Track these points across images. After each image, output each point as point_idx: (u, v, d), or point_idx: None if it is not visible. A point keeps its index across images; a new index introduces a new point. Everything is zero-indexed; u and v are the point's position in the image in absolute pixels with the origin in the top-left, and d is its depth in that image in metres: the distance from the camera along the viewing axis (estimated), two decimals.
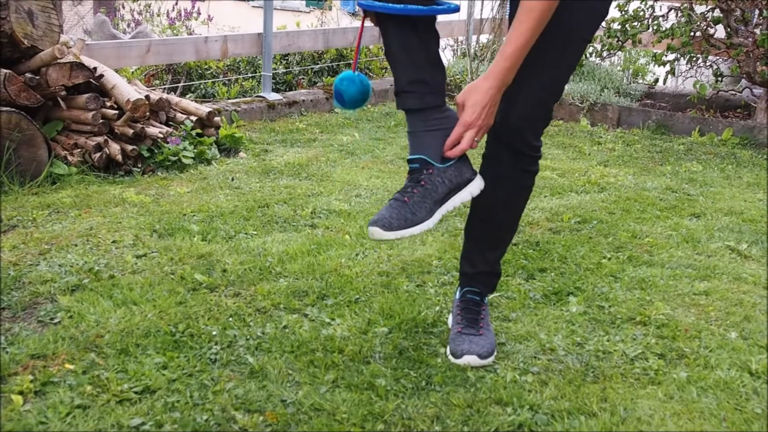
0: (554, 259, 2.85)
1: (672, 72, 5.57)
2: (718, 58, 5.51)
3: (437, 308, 2.42)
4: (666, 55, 5.43)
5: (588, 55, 5.71)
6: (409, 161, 1.95)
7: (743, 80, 5.48)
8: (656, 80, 5.85)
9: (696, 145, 4.92)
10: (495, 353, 2.13)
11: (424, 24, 1.91)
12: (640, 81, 6.43)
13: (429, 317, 2.35)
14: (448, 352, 2.14)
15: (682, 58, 5.42)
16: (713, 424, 1.86)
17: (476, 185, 1.99)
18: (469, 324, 2.18)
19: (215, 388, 1.92)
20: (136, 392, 1.88)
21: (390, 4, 1.84)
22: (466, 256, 2.26)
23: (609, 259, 2.89)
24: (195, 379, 1.96)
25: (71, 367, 1.98)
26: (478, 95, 1.85)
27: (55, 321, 2.24)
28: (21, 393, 1.85)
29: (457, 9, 2.00)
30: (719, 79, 5.44)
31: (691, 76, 5.64)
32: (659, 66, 5.58)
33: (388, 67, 2.04)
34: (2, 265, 2.60)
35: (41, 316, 2.27)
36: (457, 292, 2.29)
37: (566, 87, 5.75)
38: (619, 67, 6.29)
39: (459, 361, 2.09)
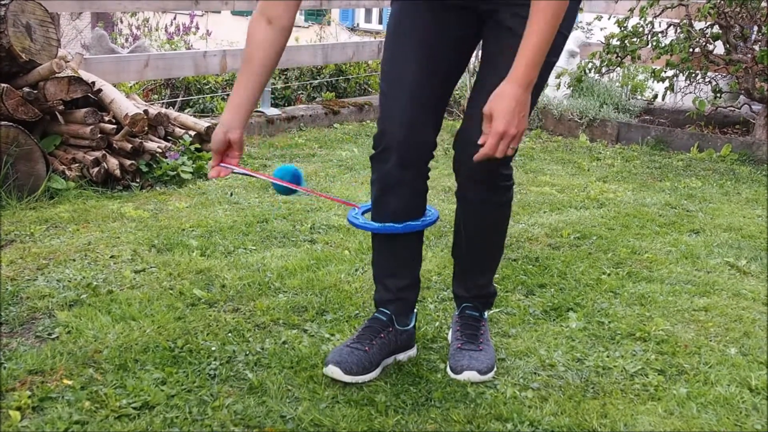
0: (554, 275, 2.85)
1: (671, 88, 5.58)
2: (717, 74, 5.53)
3: (437, 324, 2.42)
4: (665, 71, 5.45)
5: (587, 71, 5.73)
6: (379, 311, 2.18)
7: (742, 96, 5.49)
8: (655, 96, 5.87)
9: (695, 161, 4.93)
10: (495, 369, 2.12)
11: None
12: (639, 97, 6.45)
13: (428, 333, 2.35)
14: (448, 368, 2.13)
15: (681, 74, 5.44)
16: None
17: (413, 353, 2.23)
18: (469, 340, 2.17)
19: (214, 404, 1.91)
20: (134, 408, 1.87)
21: (371, 224, 2.12)
22: (457, 279, 2.28)
23: (608, 274, 2.89)
24: (194, 394, 1.95)
25: (69, 382, 1.97)
26: (505, 102, 1.79)
27: (53, 336, 2.23)
28: (19, 408, 1.84)
29: (433, 221, 2.18)
30: (718, 95, 5.45)
31: (690, 92, 5.66)
32: (658, 82, 5.59)
33: None
34: (0, 280, 2.60)
35: (39, 332, 2.26)
36: (457, 308, 2.29)
37: (565, 102, 5.77)
38: (618, 83, 6.31)
39: (459, 377, 2.09)
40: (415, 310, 2.23)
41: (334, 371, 2.03)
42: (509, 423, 1.88)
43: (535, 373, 2.15)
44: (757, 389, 2.10)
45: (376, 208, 2.12)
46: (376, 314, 2.19)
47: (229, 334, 2.29)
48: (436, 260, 2.95)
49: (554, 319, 2.50)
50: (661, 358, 2.26)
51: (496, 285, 2.35)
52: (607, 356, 2.26)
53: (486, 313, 2.28)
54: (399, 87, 2.02)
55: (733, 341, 2.38)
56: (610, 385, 2.10)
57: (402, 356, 2.18)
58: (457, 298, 2.28)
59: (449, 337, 2.29)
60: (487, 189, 2.08)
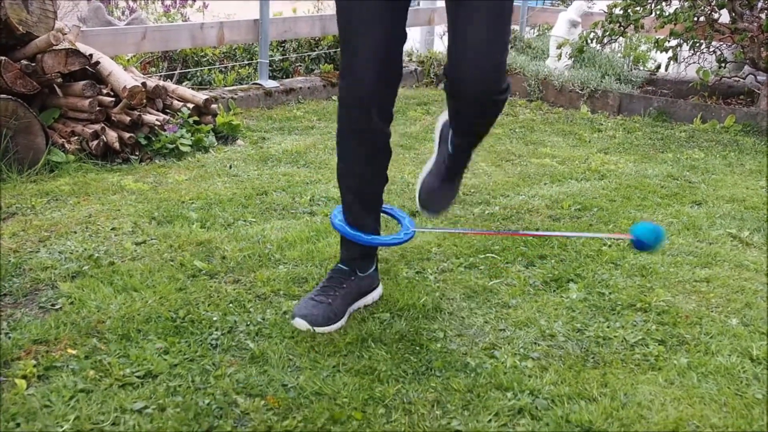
0: (554, 246, 2.85)
1: (674, 58, 5.54)
2: (721, 43, 5.48)
3: (437, 294, 2.42)
4: (668, 41, 5.40)
5: (589, 41, 5.69)
6: (341, 262, 2.31)
7: (747, 66, 5.45)
8: (658, 66, 5.83)
9: (698, 132, 4.91)
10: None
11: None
12: (642, 68, 6.41)
13: (429, 303, 2.35)
14: (417, 186, 2.45)
15: (685, 43, 5.40)
16: (714, 409, 1.86)
17: (378, 292, 2.36)
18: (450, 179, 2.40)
19: (216, 373, 1.92)
20: (138, 377, 1.88)
21: (357, 233, 2.23)
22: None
23: (609, 246, 2.89)
24: (196, 364, 1.96)
25: (74, 352, 1.98)
26: None
27: (57, 307, 2.24)
28: (24, 377, 1.85)
29: (403, 241, 2.32)
30: (722, 65, 5.41)
31: (694, 62, 5.61)
32: (661, 52, 5.55)
33: None
34: (3, 252, 2.60)
35: (42, 302, 2.26)
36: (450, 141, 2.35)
37: (566, 73, 5.74)
38: (620, 54, 6.27)
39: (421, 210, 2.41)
40: (377, 252, 2.37)
41: (300, 323, 2.14)
42: (509, 392, 1.89)
43: (535, 343, 2.15)
44: (758, 359, 2.10)
45: (337, 147, 2.22)
46: (339, 265, 2.32)
47: (230, 305, 2.29)
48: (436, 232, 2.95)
49: (554, 290, 2.50)
50: (662, 329, 2.26)
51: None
52: (608, 327, 2.26)
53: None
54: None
55: (735, 312, 2.39)
56: (610, 355, 2.10)
57: (368, 300, 2.31)
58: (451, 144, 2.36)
59: (438, 122, 2.49)
60: (498, 104, 2.05)
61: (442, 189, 2.39)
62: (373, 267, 2.34)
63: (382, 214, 2.36)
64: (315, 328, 2.14)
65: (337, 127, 2.18)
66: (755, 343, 2.18)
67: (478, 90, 1.98)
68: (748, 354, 2.12)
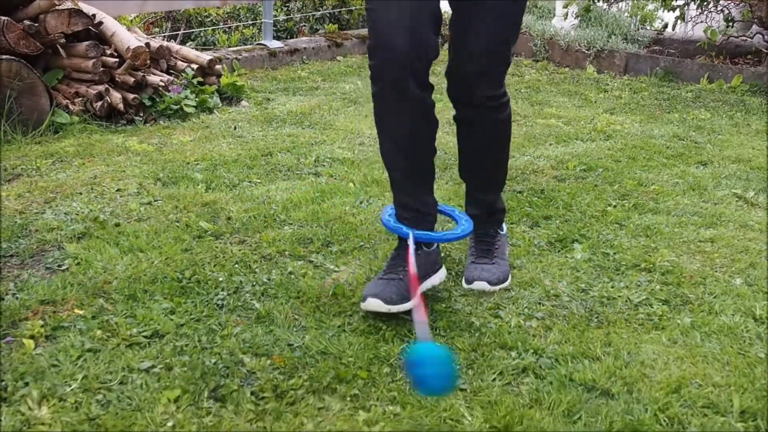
0: (559, 207, 2.85)
1: (681, 17, 5.48)
2: (729, 2, 5.42)
3: (442, 255, 2.43)
4: (676, 0, 5.34)
5: (595, 0, 5.63)
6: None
7: (755, 25, 5.39)
8: (665, 26, 5.77)
9: (704, 92, 4.88)
10: (507, 282, 2.22)
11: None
12: (648, 27, 6.34)
13: None
14: (463, 280, 2.24)
15: (692, 2, 5.33)
16: (716, 368, 1.87)
17: (443, 273, 2.21)
18: (482, 254, 2.27)
19: (223, 333, 1.93)
20: (145, 336, 1.90)
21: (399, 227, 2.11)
22: (468, 199, 2.36)
23: (614, 206, 2.88)
24: (203, 323, 1.98)
25: (81, 312, 2.00)
26: None
27: (63, 268, 2.25)
28: (32, 337, 1.87)
29: (463, 235, 2.20)
30: (730, 24, 5.35)
31: (701, 22, 5.55)
32: (668, 11, 5.49)
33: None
34: (8, 213, 2.61)
35: (49, 263, 2.28)
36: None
37: (572, 33, 5.69)
38: (626, 13, 6.21)
39: (470, 286, 2.19)
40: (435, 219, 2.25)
41: (374, 304, 1.97)
42: (513, 351, 1.91)
43: (539, 303, 2.16)
44: (762, 319, 2.11)
45: (378, 127, 2.09)
46: (400, 242, 2.16)
47: (236, 266, 2.30)
48: (441, 192, 2.95)
49: (559, 251, 2.51)
50: (666, 289, 2.27)
51: (505, 201, 2.42)
52: (612, 287, 2.27)
53: (502, 230, 2.36)
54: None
55: (739, 272, 2.39)
56: (614, 314, 2.11)
57: (436, 280, 2.17)
58: (472, 218, 2.32)
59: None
60: (484, 109, 2.12)
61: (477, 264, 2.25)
62: (435, 245, 2.18)
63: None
64: (390, 306, 1.97)
65: (374, 109, 2.06)
66: (759, 303, 2.19)
67: (477, 93, 2.07)
68: (752, 314, 2.13)
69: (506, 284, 2.21)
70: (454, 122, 2.24)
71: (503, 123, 2.19)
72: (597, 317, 2.10)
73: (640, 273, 2.36)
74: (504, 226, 2.39)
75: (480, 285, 2.18)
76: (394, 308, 1.98)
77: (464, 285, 2.22)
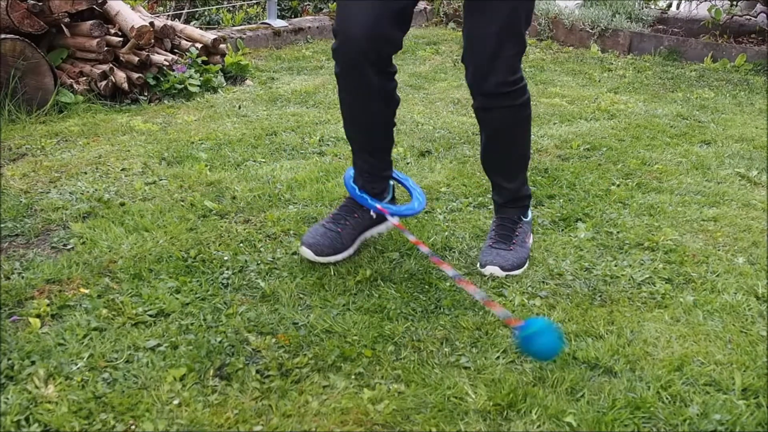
0: (563, 186, 2.85)
1: None
2: None
3: (446, 234, 2.44)
4: None
5: None
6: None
7: (759, 4, 5.36)
8: (669, 5, 5.74)
9: (708, 71, 4.86)
10: (522, 269, 2.21)
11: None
12: (653, 6, 6.30)
13: (438, 242, 2.37)
14: (478, 263, 2.23)
15: None
16: (718, 346, 1.88)
17: (385, 225, 2.33)
18: (501, 239, 2.26)
19: (228, 312, 1.95)
20: (150, 315, 1.91)
21: (363, 195, 2.23)
22: (493, 187, 2.35)
23: (618, 185, 2.89)
24: (208, 302, 1.99)
25: (86, 291, 2.01)
26: None
27: (69, 247, 2.27)
28: (38, 316, 1.88)
29: (412, 212, 2.30)
30: (734, 3, 5.32)
31: (706, 1, 5.53)
32: None
33: None
34: (13, 193, 2.62)
35: (54, 243, 2.29)
36: (495, 213, 2.37)
37: (576, 12, 5.66)
38: None
39: (482, 270, 2.19)
40: (392, 184, 2.34)
41: (306, 252, 2.17)
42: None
43: (543, 282, 2.17)
44: (764, 297, 2.12)
45: (340, 103, 2.23)
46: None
47: (241, 245, 2.31)
48: (445, 172, 2.95)
49: (563, 230, 2.52)
50: (669, 267, 2.28)
51: (530, 187, 2.40)
52: (615, 265, 2.28)
53: (526, 216, 2.35)
54: None
55: (741, 250, 2.40)
56: (617, 293, 2.12)
57: (382, 228, 2.33)
58: (494, 204, 2.36)
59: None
60: (499, 96, 2.09)
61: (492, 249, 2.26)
62: (389, 197, 2.31)
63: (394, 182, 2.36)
64: (318, 257, 2.16)
65: (337, 85, 2.19)
66: (761, 281, 2.19)
67: (492, 80, 2.05)
68: (754, 292, 2.14)
69: (519, 272, 2.21)
70: (474, 113, 2.20)
71: (521, 108, 2.16)
72: (600, 296, 2.11)
73: (643, 252, 2.37)
74: (529, 212, 2.38)
75: (491, 269, 2.18)
76: (323, 259, 2.17)
77: (478, 268, 2.22)
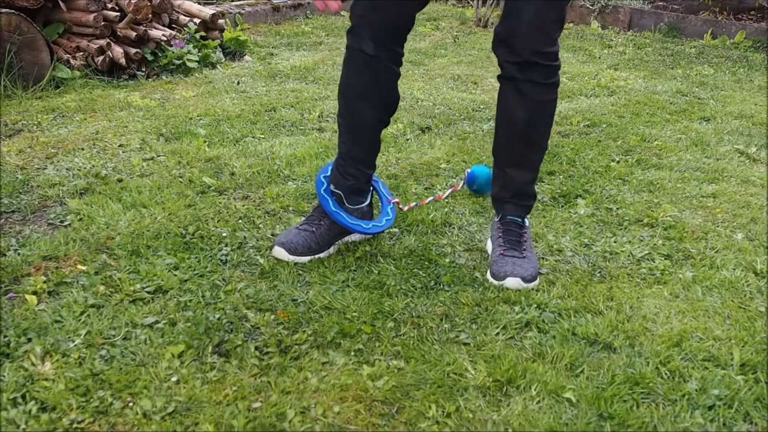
0: (563, 162, 2.84)
1: None
2: None
3: (445, 210, 2.43)
4: None
5: None
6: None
7: None
8: None
9: (708, 48, 4.84)
10: (538, 279, 2.05)
11: None
12: None
13: (437, 219, 2.36)
14: (489, 274, 2.06)
15: None
16: (717, 321, 1.88)
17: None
18: (512, 246, 2.09)
19: (227, 288, 1.94)
20: (148, 292, 1.91)
21: (338, 212, 2.13)
22: (497, 179, 2.16)
23: (618, 162, 2.88)
24: (206, 279, 1.98)
25: (83, 268, 2.01)
26: None
27: (66, 224, 2.26)
28: (35, 293, 1.88)
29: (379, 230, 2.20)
30: None
31: None
32: None
33: None
34: (10, 169, 2.61)
35: (51, 219, 2.28)
36: (496, 216, 2.20)
37: None
38: None
39: (502, 283, 2.01)
40: (371, 190, 2.22)
41: (279, 252, 2.10)
42: (517, 306, 1.91)
43: (543, 258, 2.17)
44: (762, 273, 2.12)
45: (342, 89, 2.11)
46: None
47: (240, 221, 2.31)
48: (445, 148, 2.94)
49: (563, 206, 2.51)
50: (668, 243, 2.27)
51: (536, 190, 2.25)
52: (615, 242, 2.27)
53: (526, 222, 2.17)
54: None
55: (740, 227, 2.39)
56: (616, 269, 2.12)
57: (353, 236, 2.21)
58: (497, 202, 2.18)
59: (487, 246, 2.21)
60: (531, 66, 1.96)
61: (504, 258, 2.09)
62: (366, 203, 2.19)
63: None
64: (291, 256, 2.08)
65: (345, 55, 2.10)
66: (759, 258, 2.19)
67: (527, 47, 1.93)
68: (752, 268, 2.14)
69: (537, 282, 2.03)
70: (500, 83, 2.05)
71: (548, 89, 2.00)
72: (600, 272, 2.10)
73: (642, 228, 2.37)
74: (527, 220, 2.18)
75: (514, 283, 1.99)
76: (295, 258, 2.09)
77: (492, 281, 2.03)
